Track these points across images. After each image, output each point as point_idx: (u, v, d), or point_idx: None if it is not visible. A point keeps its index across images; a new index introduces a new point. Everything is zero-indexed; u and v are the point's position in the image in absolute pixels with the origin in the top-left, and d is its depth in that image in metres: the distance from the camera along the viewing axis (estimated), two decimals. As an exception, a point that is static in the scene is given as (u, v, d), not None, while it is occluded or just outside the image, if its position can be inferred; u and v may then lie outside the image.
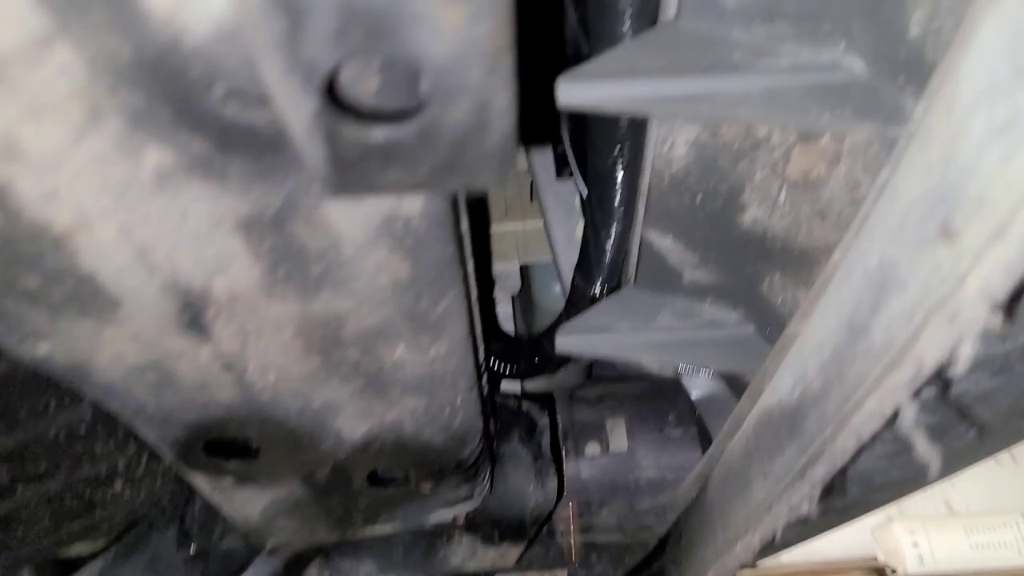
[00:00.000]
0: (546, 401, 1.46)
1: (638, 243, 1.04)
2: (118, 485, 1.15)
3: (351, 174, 0.42)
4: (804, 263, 0.91)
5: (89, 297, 0.60)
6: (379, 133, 0.41)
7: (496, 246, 2.01)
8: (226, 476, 1.03)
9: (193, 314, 0.65)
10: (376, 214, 0.58)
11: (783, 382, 0.82)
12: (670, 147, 0.86)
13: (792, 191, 0.84)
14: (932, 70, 0.50)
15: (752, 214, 0.90)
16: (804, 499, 0.75)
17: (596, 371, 1.69)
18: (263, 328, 0.70)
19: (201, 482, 1.04)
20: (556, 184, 1.56)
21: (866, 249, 0.59)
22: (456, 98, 0.39)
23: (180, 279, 0.60)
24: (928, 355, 0.48)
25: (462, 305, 0.75)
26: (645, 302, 1.10)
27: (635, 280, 1.10)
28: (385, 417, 0.96)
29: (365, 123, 0.40)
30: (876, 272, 0.57)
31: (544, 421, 1.47)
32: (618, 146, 0.99)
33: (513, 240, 2.01)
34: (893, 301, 0.53)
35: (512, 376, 1.43)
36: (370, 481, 1.15)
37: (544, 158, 1.63)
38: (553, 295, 1.99)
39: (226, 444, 0.98)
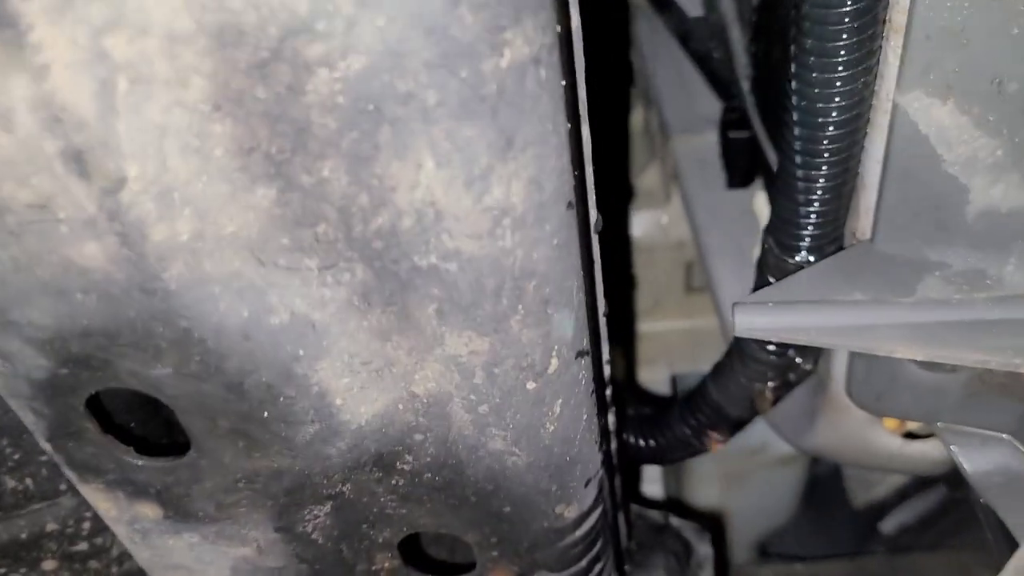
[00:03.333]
0: (708, 523, 0.97)
1: (885, 135, 0.59)
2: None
3: None
4: None
5: None
6: None
7: (641, 349, 1.58)
8: (144, 500, 0.60)
9: None
10: None
11: None
12: None
13: None
14: None
15: None
16: None
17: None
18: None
19: (106, 506, 0.61)
20: (720, 213, 1.13)
21: None
22: None
23: None
24: None
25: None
26: (892, 262, 0.63)
27: (875, 228, 0.64)
28: (424, 391, 0.53)
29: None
30: None
31: (706, 550, 0.96)
32: None
33: (663, 343, 1.57)
34: None
35: (649, 454, 0.94)
36: (405, 557, 0.68)
37: (706, 195, 1.21)
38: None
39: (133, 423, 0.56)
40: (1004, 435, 0.71)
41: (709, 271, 1.18)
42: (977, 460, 0.72)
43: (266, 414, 0.53)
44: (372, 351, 0.51)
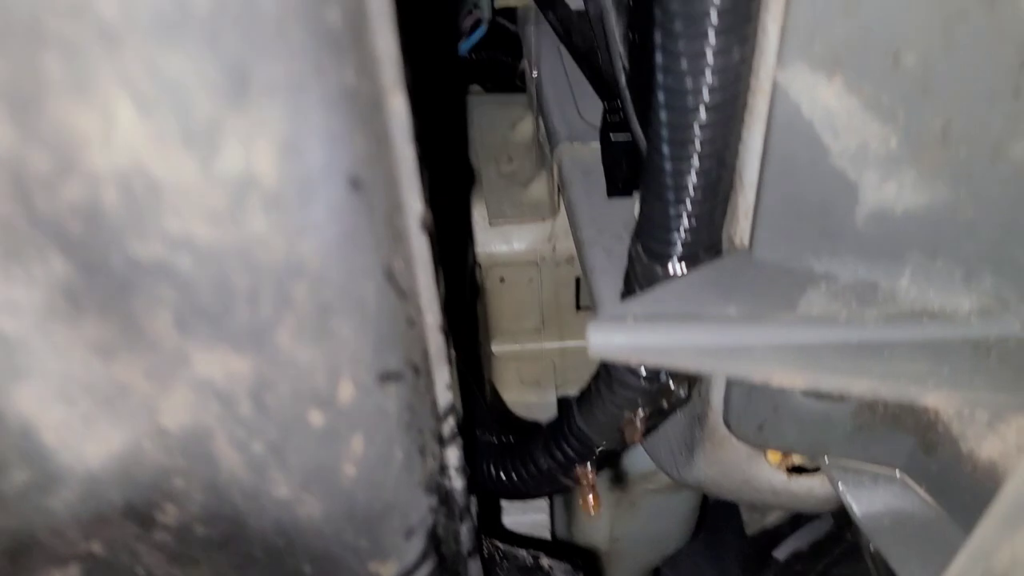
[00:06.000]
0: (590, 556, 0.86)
1: (764, 122, 0.50)
2: None
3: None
4: None
5: None
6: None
7: (527, 370, 1.49)
8: None
9: None
10: None
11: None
12: None
13: None
14: None
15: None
16: None
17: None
18: None
19: None
20: (603, 225, 1.04)
21: None
22: None
23: None
24: None
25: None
26: (772, 273, 0.53)
27: (754, 233, 0.54)
28: (176, 424, 0.40)
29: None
30: None
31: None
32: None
33: (550, 364, 1.49)
34: None
35: (512, 489, 0.82)
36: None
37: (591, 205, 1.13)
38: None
39: None
40: (896, 471, 0.63)
41: (592, 286, 1.09)
42: (866, 500, 0.64)
43: (-48, 457, 0.40)
44: (93, 373, 0.38)
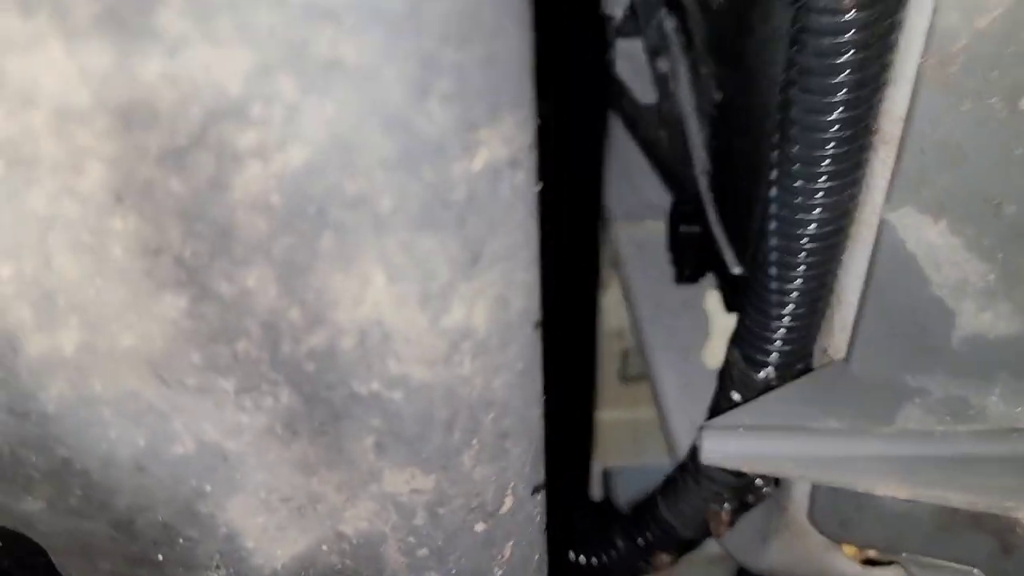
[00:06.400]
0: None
1: (869, 251, 0.55)
2: None
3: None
4: None
5: None
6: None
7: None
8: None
9: None
10: None
11: None
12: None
13: None
14: None
15: None
16: None
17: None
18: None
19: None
20: (664, 305, 1.09)
21: None
22: None
23: None
24: None
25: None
26: (868, 386, 0.58)
27: (851, 348, 0.59)
28: (354, 531, 0.45)
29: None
30: None
31: None
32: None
33: (595, 435, 1.52)
34: None
35: (594, 573, 0.86)
36: None
37: (649, 283, 1.17)
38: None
39: None
40: (974, 570, 0.66)
41: (650, 364, 1.13)
42: (946, 597, 0.67)
43: (161, 557, 0.44)
44: (294, 486, 0.43)
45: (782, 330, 0.60)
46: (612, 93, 1.10)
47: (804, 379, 0.60)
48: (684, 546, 0.76)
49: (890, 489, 0.53)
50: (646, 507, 0.79)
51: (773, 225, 0.56)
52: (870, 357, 0.58)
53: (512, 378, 0.41)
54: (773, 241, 0.56)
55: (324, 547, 0.46)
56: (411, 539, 0.46)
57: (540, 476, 0.48)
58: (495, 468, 0.44)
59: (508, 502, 0.46)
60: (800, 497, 0.71)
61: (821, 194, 0.52)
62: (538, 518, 0.50)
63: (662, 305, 1.14)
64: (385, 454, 0.41)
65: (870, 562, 0.77)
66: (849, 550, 0.75)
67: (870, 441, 0.55)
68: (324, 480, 0.43)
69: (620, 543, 0.81)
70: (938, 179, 0.50)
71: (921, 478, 0.53)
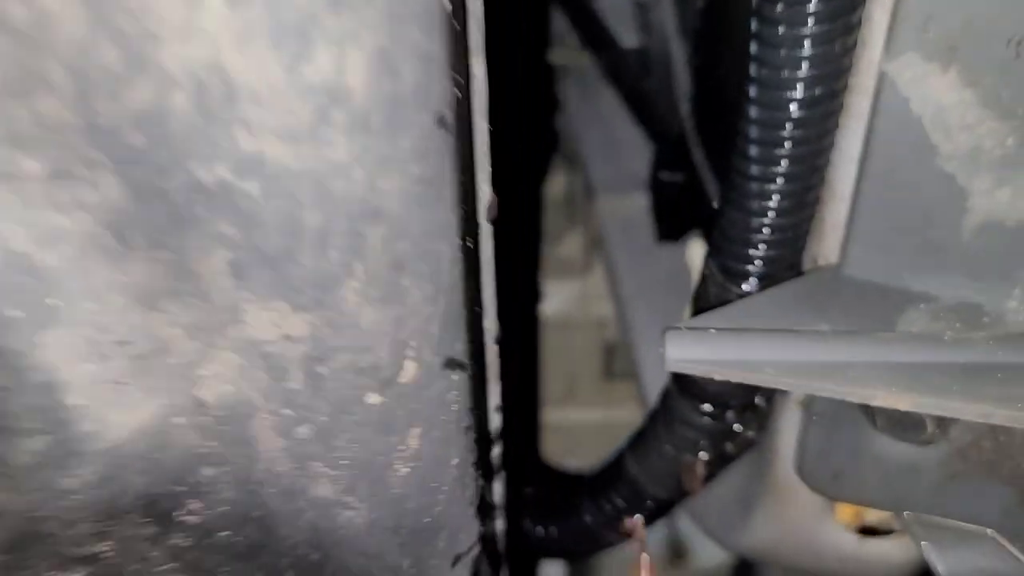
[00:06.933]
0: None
1: (866, 123, 0.46)
2: None
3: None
4: None
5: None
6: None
7: (550, 441, 1.43)
8: None
9: None
10: None
11: None
12: None
13: None
14: None
15: None
16: None
17: None
18: None
19: None
20: (647, 279, 1.01)
21: None
22: None
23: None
24: None
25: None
26: (865, 292, 0.49)
27: (845, 249, 0.50)
28: (215, 397, 0.36)
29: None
30: None
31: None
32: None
33: (575, 436, 1.43)
34: None
35: (551, 545, 0.75)
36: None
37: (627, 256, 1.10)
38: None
39: None
40: (987, 530, 0.57)
41: (632, 345, 1.04)
42: (955, 560, 0.57)
43: (-39, 414, 0.35)
44: (131, 325, 0.34)
45: (765, 230, 0.51)
46: (595, 46, 1.03)
47: (787, 284, 0.51)
48: (655, 508, 0.66)
49: (893, 399, 0.44)
50: (612, 465, 0.69)
51: (754, 92, 0.47)
52: (866, 257, 0.49)
53: (407, 184, 0.32)
54: (754, 112, 0.48)
55: (178, 420, 0.37)
56: (287, 411, 0.36)
57: (454, 348, 0.39)
58: (388, 315, 0.35)
59: (410, 369, 0.37)
60: (786, 448, 0.62)
61: (808, 43, 0.44)
62: (455, 407, 0.41)
63: (646, 278, 1.05)
64: (243, 278, 0.33)
65: (866, 532, 0.67)
66: (843, 514, 0.65)
67: (867, 344, 0.46)
68: (170, 317, 0.34)
69: (584, 509, 0.71)
70: (947, 15, 0.42)
71: (928, 385, 0.44)
